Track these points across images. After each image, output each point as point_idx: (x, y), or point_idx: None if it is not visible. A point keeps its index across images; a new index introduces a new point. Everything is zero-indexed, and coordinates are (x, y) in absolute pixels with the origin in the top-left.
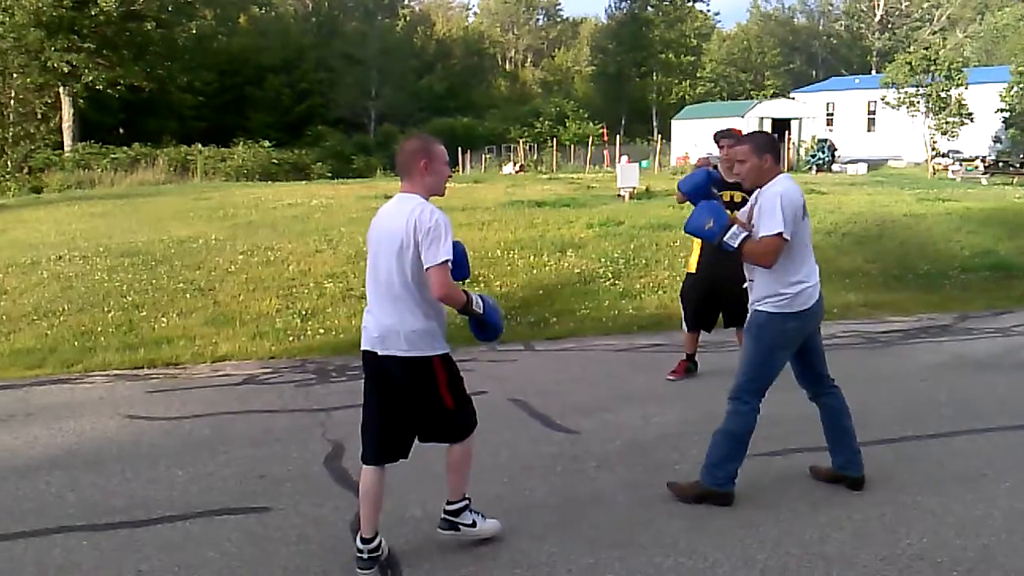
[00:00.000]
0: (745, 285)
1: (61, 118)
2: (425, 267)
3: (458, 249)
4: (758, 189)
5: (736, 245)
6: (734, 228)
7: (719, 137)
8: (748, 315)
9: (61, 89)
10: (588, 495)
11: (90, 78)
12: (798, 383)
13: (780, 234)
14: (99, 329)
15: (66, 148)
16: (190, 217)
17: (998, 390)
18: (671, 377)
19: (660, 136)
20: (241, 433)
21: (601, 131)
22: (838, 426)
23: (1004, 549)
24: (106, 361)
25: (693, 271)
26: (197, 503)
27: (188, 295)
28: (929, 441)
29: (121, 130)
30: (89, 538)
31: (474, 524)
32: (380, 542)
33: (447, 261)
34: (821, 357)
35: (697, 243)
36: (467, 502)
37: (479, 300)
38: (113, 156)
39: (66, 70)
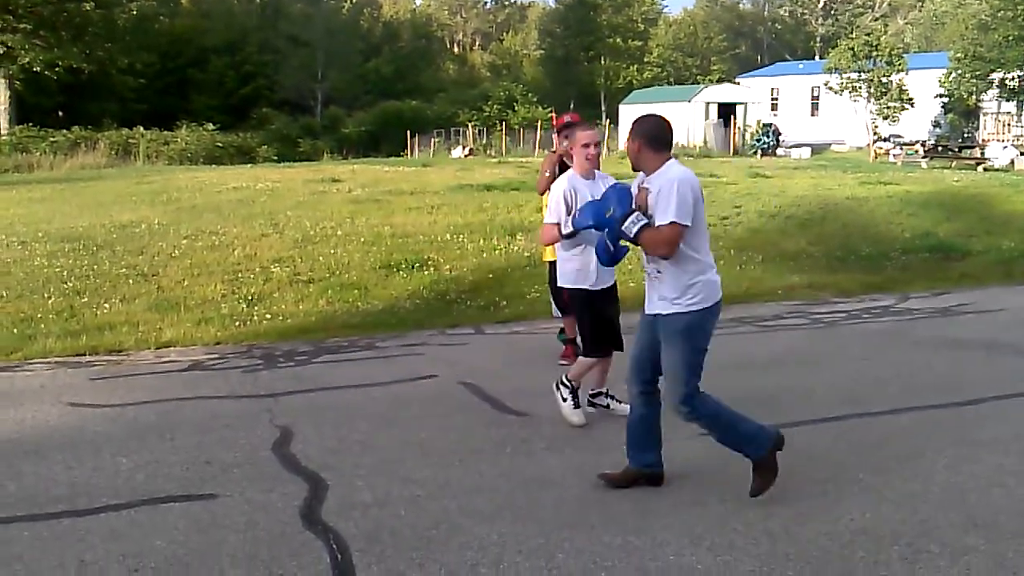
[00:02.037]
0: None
1: None
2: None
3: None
4: (641, 174)
5: (634, 233)
6: (634, 215)
7: (561, 129)
8: (662, 319)
9: None
10: (538, 477)
11: (27, 59)
12: (632, 373)
13: (676, 223)
14: (39, 316)
15: (2, 131)
16: (132, 201)
17: (937, 368)
18: (564, 362)
19: (608, 120)
20: (187, 420)
21: (550, 115)
22: (655, 428)
23: (942, 523)
24: (47, 348)
25: (551, 259)
26: (142, 491)
27: (131, 280)
28: (870, 419)
29: (60, 113)
30: (30, 528)
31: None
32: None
33: (551, 224)
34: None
35: None
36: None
37: (568, 223)
38: (52, 139)
39: (1, 51)
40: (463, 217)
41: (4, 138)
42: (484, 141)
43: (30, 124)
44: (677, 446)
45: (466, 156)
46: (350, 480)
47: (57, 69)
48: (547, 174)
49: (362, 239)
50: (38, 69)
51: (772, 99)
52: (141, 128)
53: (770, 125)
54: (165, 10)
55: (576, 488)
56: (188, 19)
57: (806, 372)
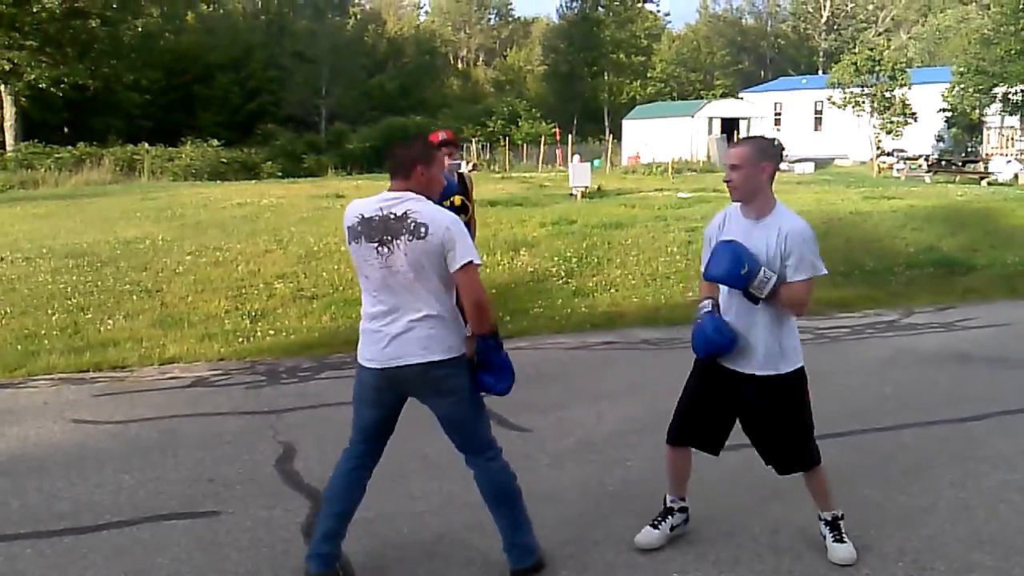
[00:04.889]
0: None
1: (3, 117)
2: None
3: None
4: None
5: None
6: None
7: (442, 144)
8: None
9: (2, 88)
10: (541, 493)
11: (33, 76)
12: None
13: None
14: (43, 332)
15: (8, 148)
16: (137, 217)
17: (942, 384)
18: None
19: (611, 136)
20: (190, 436)
21: (553, 130)
22: (491, 506)
23: (948, 539)
24: (50, 365)
25: None
26: (145, 508)
27: (135, 297)
28: (875, 435)
29: (65, 129)
30: (33, 545)
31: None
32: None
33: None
34: (453, 429)
35: None
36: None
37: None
38: (57, 156)
39: (7, 68)
40: None
41: (10, 154)
42: (488, 156)
43: (35, 140)
44: None
45: (470, 171)
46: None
47: (63, 86)
48: None
49: None
50: (44, 86)
51: (775, 114)
52: (146, 144)
53: (773, 140)
54: (170, 27)
55: (579, 504)
56: (193, 36)
57: (811, 387)
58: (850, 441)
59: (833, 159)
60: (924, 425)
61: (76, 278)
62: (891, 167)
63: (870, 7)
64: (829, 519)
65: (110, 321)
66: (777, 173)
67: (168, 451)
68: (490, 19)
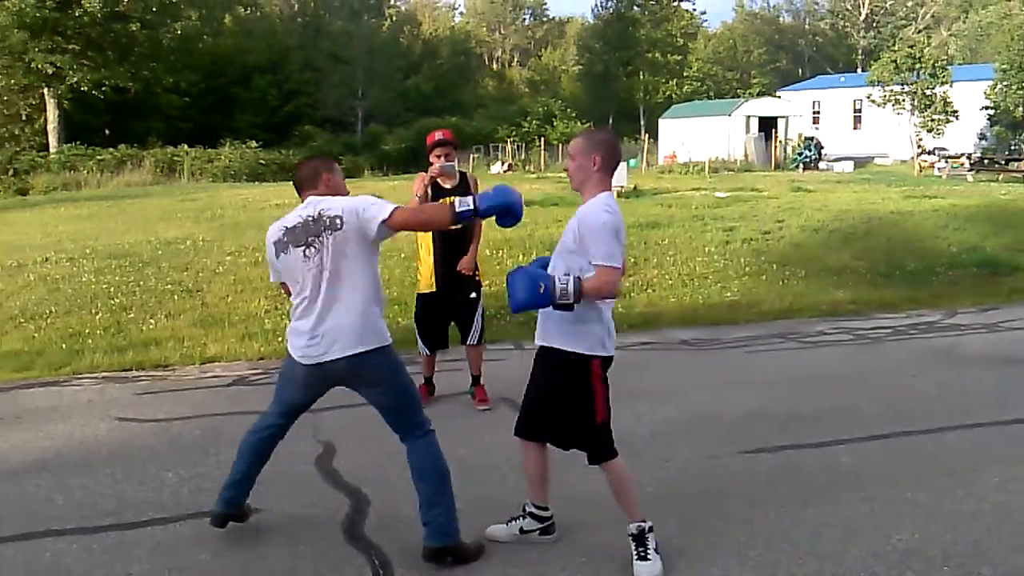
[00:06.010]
0: (472, 295)
1: (46, 120)
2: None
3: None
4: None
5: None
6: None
7: (436, 145)
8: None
9: (46, 91)
10: (580, 494)
11: (75, 79)
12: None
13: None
14: (87, 331)
15: (51, 150)
16: (177, 218)
17: (986, 385)
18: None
19: (647, 135)
20: (231, 434)
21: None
22: (414, 481)
23: (994, 543)
24: (94, 363)
25: (429, 291)
26: (187, 505)
27: (176, 296)
28: (918, 437)
29: (107, 131)
30: (79, 541)
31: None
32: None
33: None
34: (385, 413)
35: (427, 257)
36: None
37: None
38: (99, 157)
39: (50, 71)
40: (502, 232)
41: (53, 156)
42: (523, 157)
43: (78, 142)
44: (725, 462)
45: (505, 172)
46: (392, 495)
47: (104, 88)
48: (416, 197)
49: (402, 254)
50: (86, 89)
51: (814, 112)
52: (185, 146)
53: (812, 138)
54: (208, 30)
55: (618, 507)
56: (231, 39)
57: (851, 389)
58: (893, 443)
59: (872, 158)
60: (967, 427)
61: (119, 278)
62: (932, 166)
63: (909, 3)
64: (635, 532)
65: (152, 321)
66: (816, 172)
67: (210, 449)
68: (525, 19)
